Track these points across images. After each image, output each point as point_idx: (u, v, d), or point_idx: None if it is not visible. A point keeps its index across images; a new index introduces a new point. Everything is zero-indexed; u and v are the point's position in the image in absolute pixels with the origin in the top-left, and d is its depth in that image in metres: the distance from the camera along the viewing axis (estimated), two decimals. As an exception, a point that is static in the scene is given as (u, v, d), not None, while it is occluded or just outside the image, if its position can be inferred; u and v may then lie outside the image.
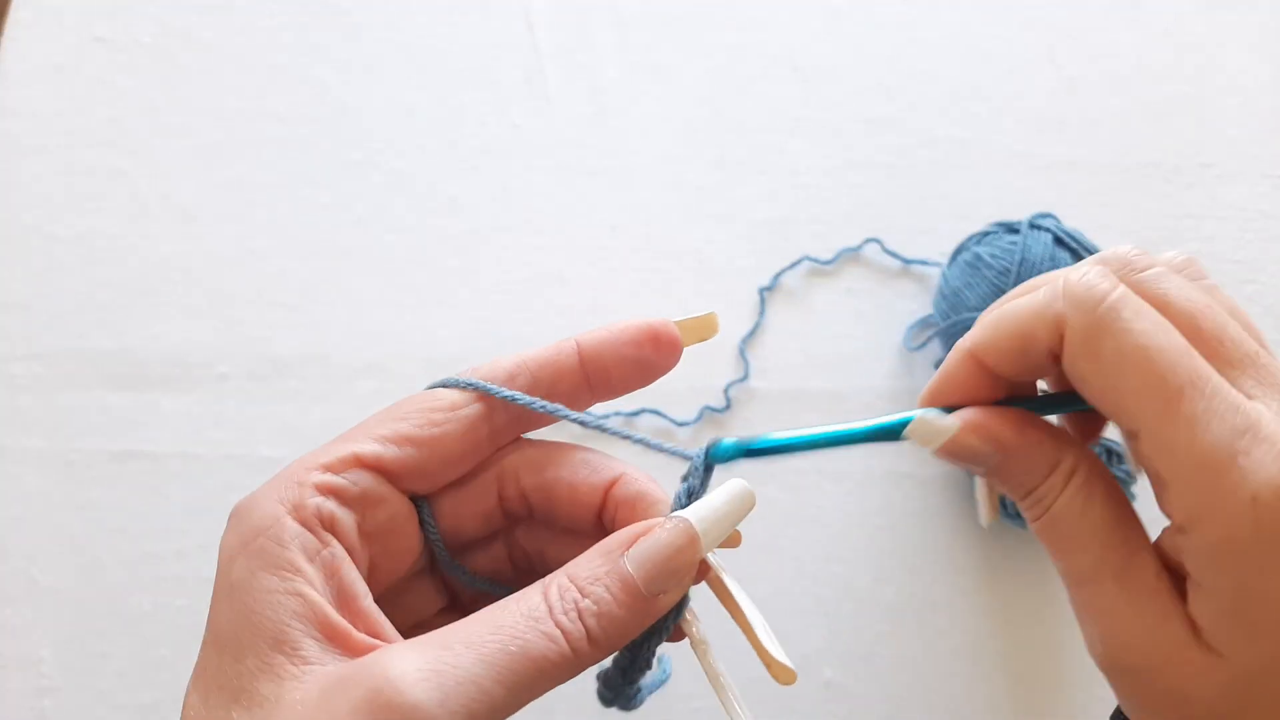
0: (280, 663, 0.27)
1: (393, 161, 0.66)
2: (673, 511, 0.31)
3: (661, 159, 0.67)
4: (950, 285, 0.59)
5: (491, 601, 0.31)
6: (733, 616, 0.32)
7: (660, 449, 0.33)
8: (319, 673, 0.27)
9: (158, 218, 0.64)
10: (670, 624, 0.32)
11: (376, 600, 0.31)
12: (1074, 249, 0.56)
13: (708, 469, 0.32)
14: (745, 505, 0.31)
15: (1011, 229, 0.58)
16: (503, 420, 0.33)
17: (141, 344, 0.62)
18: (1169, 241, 0.64)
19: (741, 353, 0.62)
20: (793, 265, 0.64)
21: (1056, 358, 0.30)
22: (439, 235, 0.65)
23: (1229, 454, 0.27)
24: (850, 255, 0.64)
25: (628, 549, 0.30)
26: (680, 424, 0.60)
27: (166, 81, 0.67)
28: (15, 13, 0.68)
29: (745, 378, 0.62)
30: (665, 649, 0.34)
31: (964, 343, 0.32)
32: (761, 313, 0.63)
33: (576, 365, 0.33)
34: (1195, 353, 0.29)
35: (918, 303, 0.63)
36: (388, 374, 0.62)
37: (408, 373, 0.61)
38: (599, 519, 0.33)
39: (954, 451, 0.31)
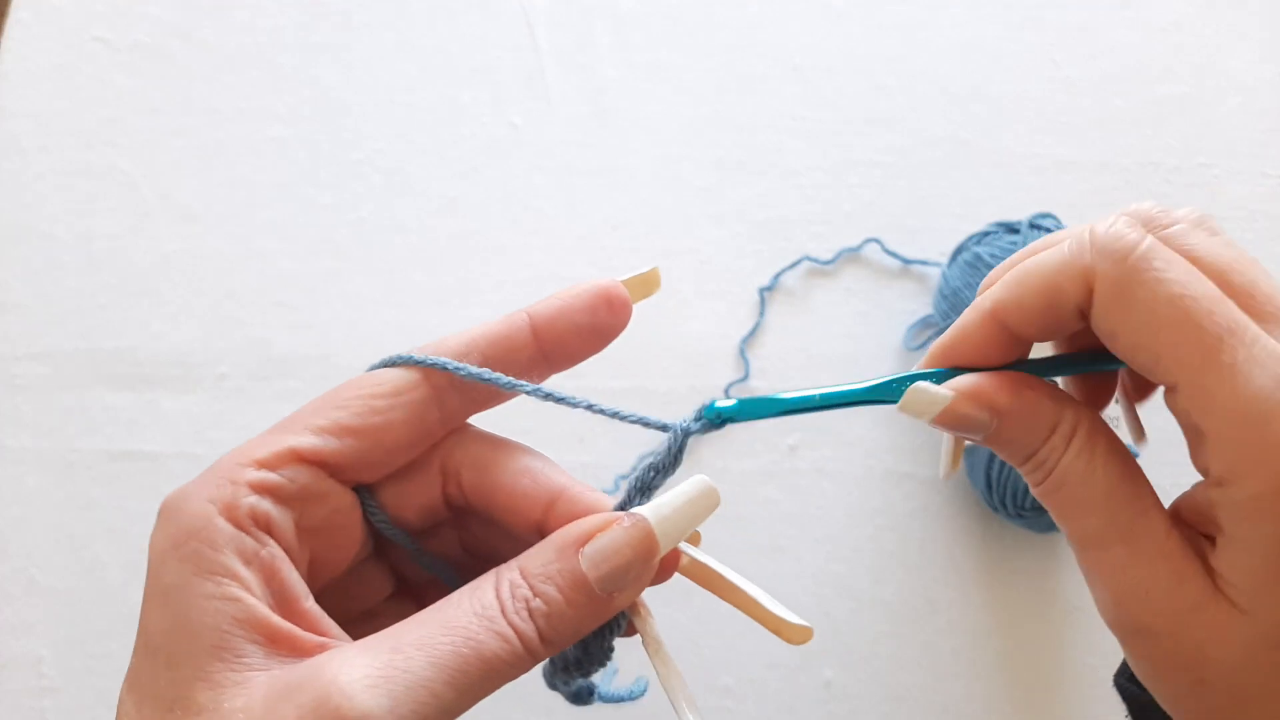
0: (218, 670, 0.26)
1: (393, 161, 0.66)
2: (630, 488, 0.31)
3: (661, 159, 0.67)
4: (950, 285, 0.59)
5: (443, 586, 0.31)
6: (724, 597, 0.32)
7: (631, 420, 0.31)
8: (262, 679, 0.26)
9: (158, 218, 0.64)
10: (624, 620, 0.31)
11: (322, 593, 0.31)
12: (1074, 249, 0.56)
13: (687, 437, 0.31)
14: (707, 503, 0.30)
15: (1011, 229, 0.58)
16: (455, 402, 0.32)
17: (141, 344, 0.62)
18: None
19: (741, 353, 0.62)
20: (793, 265, 0.64)
21: (1083, 314, 0.29)
22: (439, 235, 0.65)
23: (1274, 403, 0.26)
24: (850, 255, 0.64)
25: (582, 545, 0.29)
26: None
27: (166, 81, 0.67)
28: (15, 13, 0.68)
29: (745, 378, 0.62)
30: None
31: (984, 301, 0.31)
32: (761, 313, 0.63)
33: (530, 339, 0.32)
34: (1230, 301, 0.28)
35: (918, 303, 0.63)
36: (388, 374, 0.61)
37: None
38: (538, 531, 0.31)
39: (950, 421, 0.30)
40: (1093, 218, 0.66)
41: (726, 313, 0.63)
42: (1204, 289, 0.27)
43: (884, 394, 0.31)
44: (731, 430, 0.63)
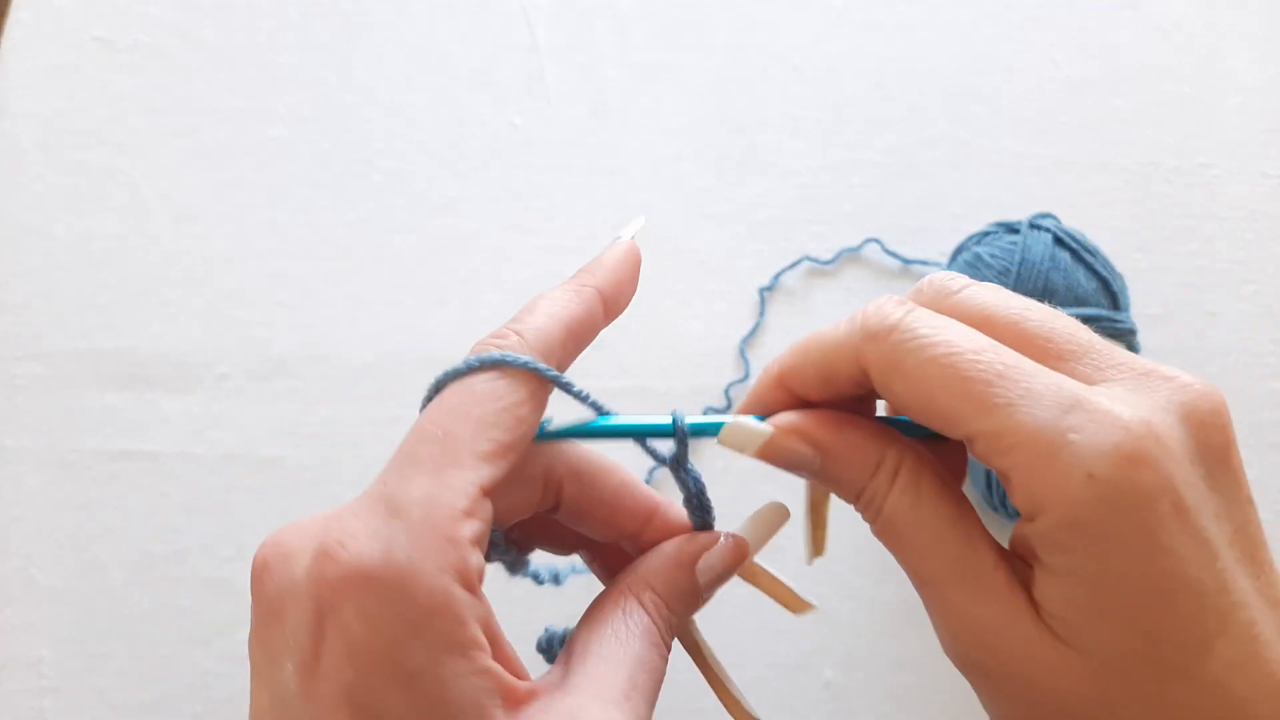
0: None
1: (393, 161, 0.66)
2: (691, 511, 0.34)
3: (661, 159, 0.67)
4: (950, 285, 0.59)
5: None
6: (741, 576, 0.35)
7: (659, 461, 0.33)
8: None
9: (158, 218, 0.64)
10: None
11: None
12: (1074, 249, 0.56)
13: (679, 457, 0.33)
14: (782, 521, 0.36)
15: (1011, 229, 0.58)
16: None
17: (141, 344, 0.62)
18: (1169, 241, 0.64)
19: (742, 353, 0.62)
20: (793, 265, 0.64)
21: (862, 387, 0.30)
22: (439, 235, 0.65)
23: (1058, 433, 0.26)
24: (850, 255, 0.64)
25: (696, 562, 0.33)
26: (680, 424, 0.60)
27: (166, 81, 0.67)
28: (15, 13, 0.68)
29: (746, 378, 0.62)
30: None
31: (773, 367, 0.32)
32: (761, 313, 0.63)
33: (603, 317, 0.33)
34: (1001, 347, 0.28)
35: (918, 303, 0.63)
36: (388, 374, 0.61)
37: (408, 373, 0.61)
38: (630, 540, 0.34)
39: (773, 455, 0.31)
40: (1093, 218, 0.67)
41: (726, 313, 0.63)
42: (972, 343, 0.28)
43: (708, 431, 0.32)
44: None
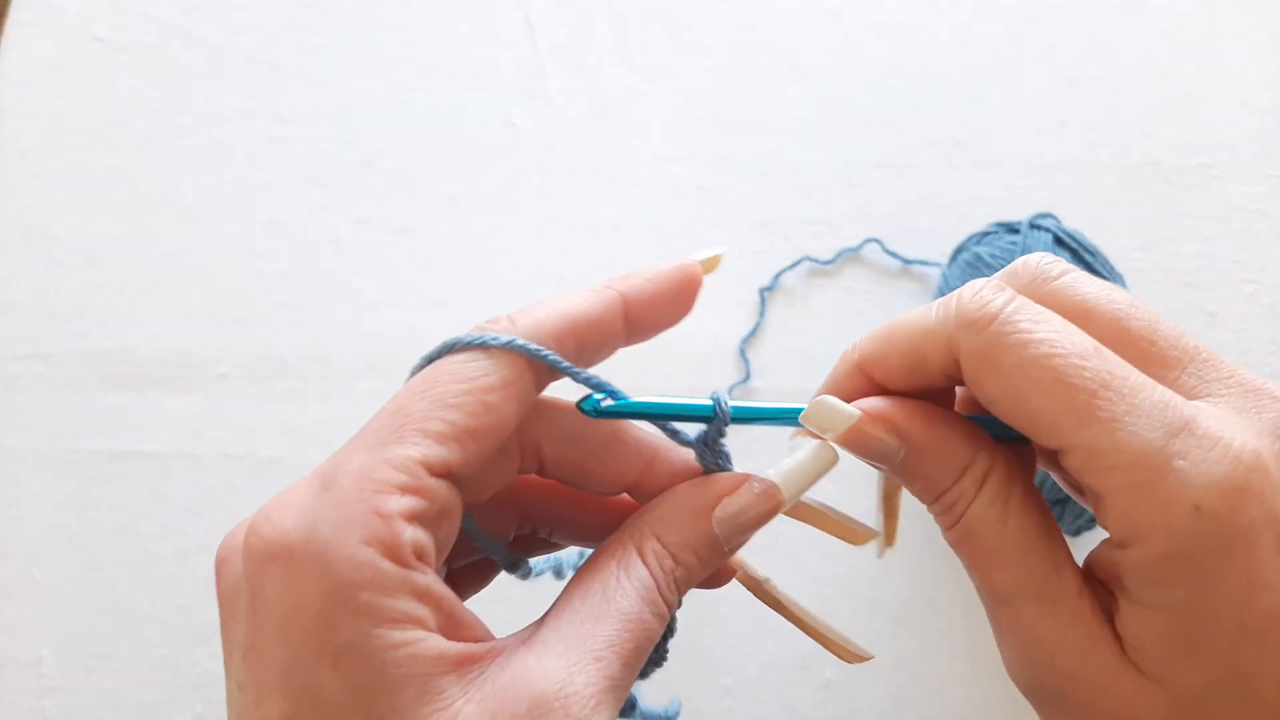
0: (426, 714, 0.25)
1: (393, 161, 0.66)
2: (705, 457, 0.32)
3: (661, 159, 0.67)
4: (950, 285, 0.59)
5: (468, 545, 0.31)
6: (785, 616, 0.33)
7: (689, 443, 0.32)
8: (468, 708, 0.25)
9: (158, 218, 0.64)
10: (675, 624, 0.32)
11: None
12: (1074, 249, 0.56)
13: (719, 433, 0.31)
14: (826, 463, 0.31)
15: (1011, 229, 0.58)
16: (547, 382, 0.31)
17: (141, 344, 0.62)
18: (1169, 241, 0.64)
19: (742, 353, 0.62)
20: (793, 265, 0.64)
21: (952, 378, 0.28)
22: (439, 235, 0.65)
23: (1163, 457, 0.25)
24: (850, 255, 0.64)
25: (714, 508, 0.30)
26: (680, 424, 0.60)
27: (166, 81, 0.67)
28: (15, 13, 0.68)
29: (746, 379, 0.62)
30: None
31: (852, 354, 0.30)
32: (761, 313, 0.63)
33: (623, 323, 0.31)
34: (1107, 351, 0.26)
35: (918, 303, 0.63)
36: (388, 374, 0.61)
37: (408, 373, 0.61)
38: (631, 490, 0.32)
39: (855, 442, 0.29)
40: (1093, 218, 0.66)
41: (726, 313, 0.63)
42: (1075, 344, 0.26)
43: (786, 417, 0.31)
44: (730, 429, 0.63)
